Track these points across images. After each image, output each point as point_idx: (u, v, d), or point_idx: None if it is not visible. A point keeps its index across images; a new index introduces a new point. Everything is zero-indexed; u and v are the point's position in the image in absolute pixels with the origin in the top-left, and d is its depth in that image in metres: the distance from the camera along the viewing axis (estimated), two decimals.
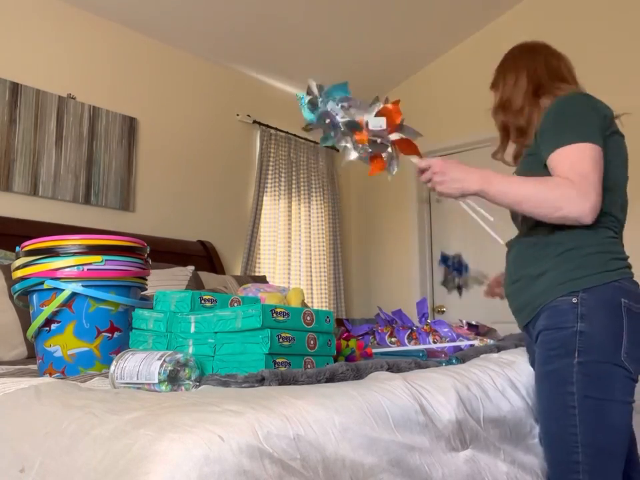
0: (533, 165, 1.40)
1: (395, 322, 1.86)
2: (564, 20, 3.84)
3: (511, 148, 1.66)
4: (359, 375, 1.10)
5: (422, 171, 1.43)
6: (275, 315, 1.06)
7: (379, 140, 1.41)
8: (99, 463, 0.71)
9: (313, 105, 1.44)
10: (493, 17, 4.13)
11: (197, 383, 1.02)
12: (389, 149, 1.44)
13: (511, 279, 1.43)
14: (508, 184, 1.33)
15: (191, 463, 0.66)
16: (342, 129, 1.46)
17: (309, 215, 4.35)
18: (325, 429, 0.81)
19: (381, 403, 0.92)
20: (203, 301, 1.25)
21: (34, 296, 1.43)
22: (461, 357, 1.40)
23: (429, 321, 1.82)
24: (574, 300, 1.22)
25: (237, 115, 4.02)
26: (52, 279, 1.38)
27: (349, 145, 1.45)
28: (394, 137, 1.44)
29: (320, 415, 0.82)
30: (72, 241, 1.41)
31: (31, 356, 2.02)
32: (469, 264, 1.90)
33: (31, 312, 1.46)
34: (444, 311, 4.11)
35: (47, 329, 1.40)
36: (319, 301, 4.24)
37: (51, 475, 0.75)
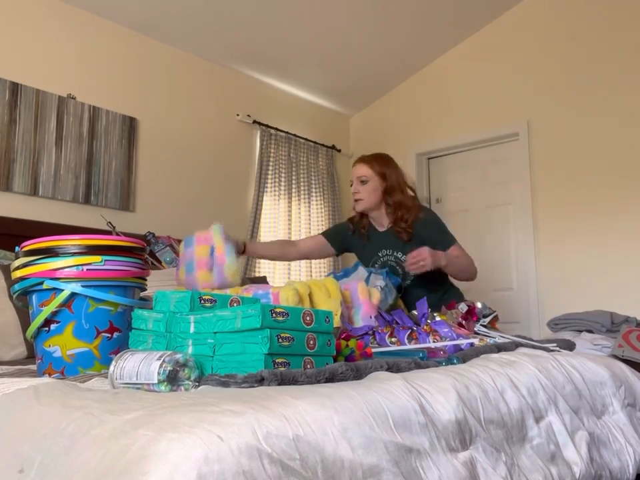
0: None
1: (395, 322, 1.86)
2: (561, 21, 3.84)
3: None
4: (358, 375, 1.09)
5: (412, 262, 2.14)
6: (274, 315, 1.06)
7: None
8: (98, 463, 0.71)
9: None
10: (492, 18, 4.13)
11: (197, 383, 1.02)
12: None
13: None
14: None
15: (190, 463, 0.66)
16: None
17: (309, 215, 4.35)
18: (324, 429, 0.80)
19: (380, 403, 0.92)
20: (202, 301, 1.25)
21: (33, 296, 1.43)
22: (461, 356, 1.40)
23: (428, 321, 1.82)
24: None
25: (237, 115, 4.02)
26: (51, 279, 1.38)
27: None
28: None
29: (319, 415, 0.82)
30: (71, 241, 1.40)
31: (31, 356, 2.02)
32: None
33: (30, 312, 1.46)
34: None
35: (46, 329, 1.40)
36: None
37: (49, 475, 0.75)
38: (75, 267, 1.38)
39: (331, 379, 1.05)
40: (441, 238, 2.35)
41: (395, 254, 2.42)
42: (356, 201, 2.45)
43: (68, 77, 3.17)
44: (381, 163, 2.44)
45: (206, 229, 2.06)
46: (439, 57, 4.44)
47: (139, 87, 3.49)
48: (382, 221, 2.47)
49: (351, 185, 2.47)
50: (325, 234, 2.67)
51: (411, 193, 2.48)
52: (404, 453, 0.88)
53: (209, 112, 3.87)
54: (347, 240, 2.59)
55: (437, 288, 2.41)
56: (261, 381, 0.96)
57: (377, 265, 2.47)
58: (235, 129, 4.02)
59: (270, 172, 4.09)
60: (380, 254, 2.46)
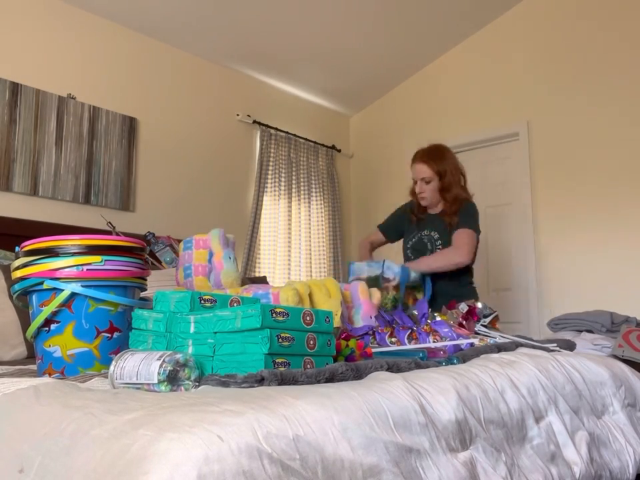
0: None
1: (395, 322, 1.86)
2: (562, 21, 3.84)
3: None
4: (358, 375, 1.09)
5: None
6: (274, 315, 1.06)
7: None
8: (98, 463, 0.71)
9: None
10: (492, 18, 4.13)
11: (197, 383, 1.02)
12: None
13: None
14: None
15: (190, 463, 0.66)
16: None
17: (309, 215, 4.34)
18: (324, 429, 0.80)
19: (380, 403, 0.92)
20: (202, 301, 1.25)
21: (33, 296, 1.43)
22: (461, 356, 1.40)
23: (429, 321, 1.82)
24: None
25: (237, 115, 4.02)
26: (51, 279, 1.38)
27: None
28: None
29: (319, 415, 0.82)
30: (71, 241, 1.40)
31: (31, 356, 2.02)
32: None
33: (30, 312, 1.46)
34: None
35: (47, 329, 1.40)
36: None
37: (50, 476, 0.75)
38: (75, 267, 1.38)
39: (331, 379, 1.05)
40: (462, 220, 2.58)
41: (431, 233, 2.64)
42: (421, 198, 2.68)
43: (68, 77, 3.17)
44: (438, 159, 2.61)
45: (205, 230, 2.05)
46: (438, 57, 4.44)
47: (139, 87, 3.49)
48: (437, 207, 2.71)
49: (415, 183, 2.67)
50: (382, 227, 2.92)
51: (462, 182, 2.68)
52: (404, 453, 0.88)
53: (209, 112, 3.87)
54: (402, 225, 2.82)
55: (455, 278, 2.59)
56: (261, 381, 0.96)
57: (412, 242, 2.71)
58: (235, 129, 4.02)
59: (270, 172, 4.09)
60: (421, 234, 2.67)
